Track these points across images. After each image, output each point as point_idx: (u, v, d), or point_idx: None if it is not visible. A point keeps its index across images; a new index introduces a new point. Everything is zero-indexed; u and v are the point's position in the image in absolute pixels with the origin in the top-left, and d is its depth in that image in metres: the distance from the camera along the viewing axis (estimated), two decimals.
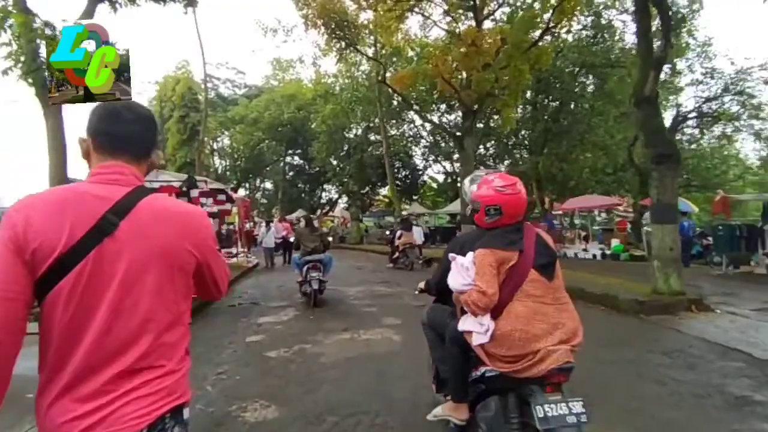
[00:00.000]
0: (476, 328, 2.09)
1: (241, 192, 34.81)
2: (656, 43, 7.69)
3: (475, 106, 14.41)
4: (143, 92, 30.17)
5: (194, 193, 8.51)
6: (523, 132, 22.11)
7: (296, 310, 7.49)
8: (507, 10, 18.39)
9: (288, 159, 36.22)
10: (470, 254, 2.20)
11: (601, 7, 18.22)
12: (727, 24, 54.04)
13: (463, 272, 2.17)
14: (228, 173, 36.00)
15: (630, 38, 18.98)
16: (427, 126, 27.60)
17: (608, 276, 9.44)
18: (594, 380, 3.96)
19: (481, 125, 20.69)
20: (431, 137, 28.14)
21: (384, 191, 31.72)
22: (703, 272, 11.24)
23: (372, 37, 19.55)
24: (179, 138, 27.56)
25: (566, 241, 18.79)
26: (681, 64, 18.46)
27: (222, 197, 11.05)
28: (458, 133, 16.08)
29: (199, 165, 19.72)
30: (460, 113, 20.71)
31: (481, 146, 23.97)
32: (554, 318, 2.06)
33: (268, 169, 37.26)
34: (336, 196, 37.09)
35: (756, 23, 60.03)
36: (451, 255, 2.31)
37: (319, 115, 26.69)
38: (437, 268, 2.77)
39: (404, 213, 23.83)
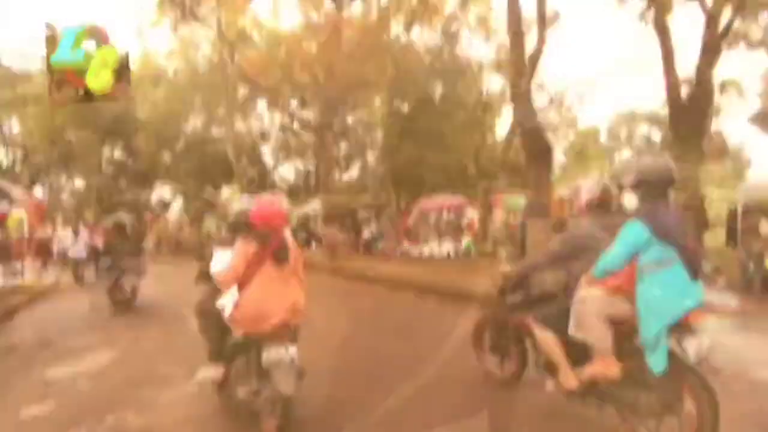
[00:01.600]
0: (228, 302, 2.95)
1: (37, 191, 27.89)
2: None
3: (338, 99, 13.52)
4: None
5: None
6: (377, 132, 22.10)
7: (113, 349, 5.33)
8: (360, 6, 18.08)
9: (106, 152, 30.11)
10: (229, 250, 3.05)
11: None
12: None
13: (222, 261, 3.05)
14: (18, 168, 28.36)
15: (471, 50, 20.56)
16: (277, 122, 25.87)
17: (477, 275, 9.42)
18: None
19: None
20: (282, 134, 26.41)
21: (230, 191, 28.68)
22: None
23: (215, 18, 17.46)
24: None
25: (420, 240, 19.21)
26: None
27: None
28: (318, 128, 14.98)
29: None
30: (312, 111, 19.75)
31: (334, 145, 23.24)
32: (283, 291, 2.94)
33: (78, 163, 30.46)
34: (171, 196, 32.26)
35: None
36: (214, 249, 3.31)
37: (147, 101, 22.56)
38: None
39: None
